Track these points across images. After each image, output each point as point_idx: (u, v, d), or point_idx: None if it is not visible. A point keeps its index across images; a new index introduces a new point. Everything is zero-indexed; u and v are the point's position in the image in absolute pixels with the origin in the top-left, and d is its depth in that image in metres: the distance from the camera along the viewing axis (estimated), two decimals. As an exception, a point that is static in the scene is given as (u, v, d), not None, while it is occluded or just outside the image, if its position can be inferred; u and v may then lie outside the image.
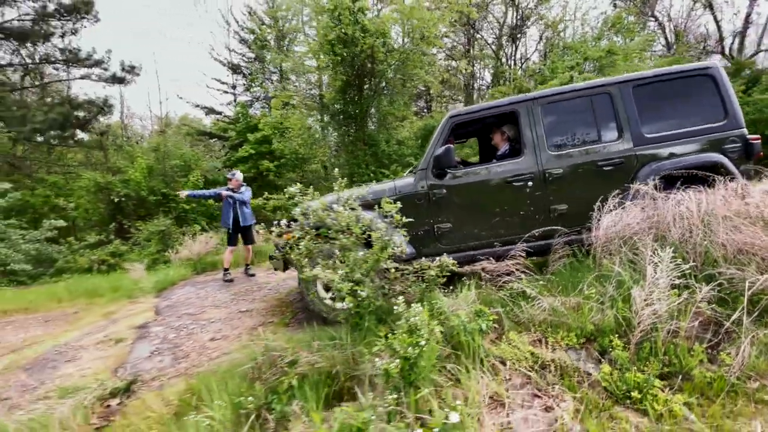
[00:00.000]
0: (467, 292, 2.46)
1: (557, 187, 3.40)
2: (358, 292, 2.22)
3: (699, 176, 3.08)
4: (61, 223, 8.92)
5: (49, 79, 17.66)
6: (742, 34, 16.54)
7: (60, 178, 14.04)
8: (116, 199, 12.23)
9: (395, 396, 1.50)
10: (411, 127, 10.13)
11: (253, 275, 6.04)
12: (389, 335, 1.97)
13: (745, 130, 3.40)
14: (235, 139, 16.65)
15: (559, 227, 3.31)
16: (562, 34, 11.61)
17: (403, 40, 7.72)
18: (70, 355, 3.50)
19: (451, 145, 3.51)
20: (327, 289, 3.44)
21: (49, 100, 16.59)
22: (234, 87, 19.37)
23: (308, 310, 3.54)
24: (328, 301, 3.41)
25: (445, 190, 3.47)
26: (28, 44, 15.49)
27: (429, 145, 3.62)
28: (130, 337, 3.69)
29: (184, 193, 6.00)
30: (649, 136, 3.41)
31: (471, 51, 17.92)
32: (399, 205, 2.52)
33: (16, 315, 5.53)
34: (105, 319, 4.70)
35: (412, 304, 2.08)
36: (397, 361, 1.58)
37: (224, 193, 5.86)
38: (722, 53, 17.48)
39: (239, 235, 6.08)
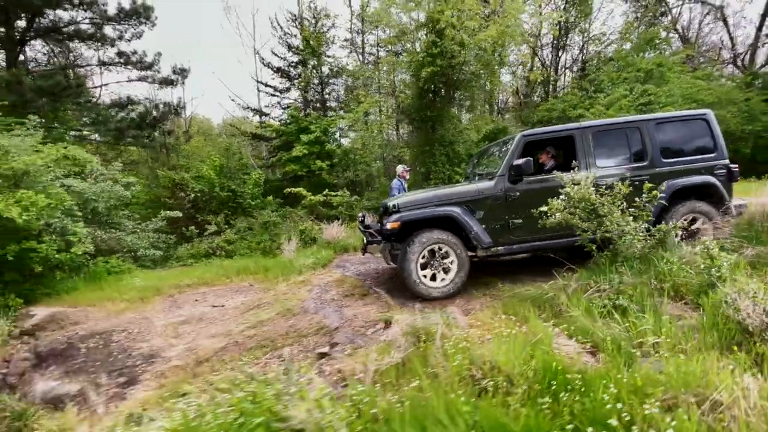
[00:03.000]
0: (686, 248, 3.53)
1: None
2: (629, 242, 3.28)
3: (696, 192, 4.40)
4: (177, 214, 9.78)
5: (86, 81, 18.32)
6: (754, 46, 18.04)
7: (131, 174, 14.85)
8: (192, 195, 13.07)
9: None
10: (479, 131, 11.23)
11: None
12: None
13: (728, 161, 4.75)
14: (286, 139, 17.54)
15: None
16: (607, 47, 12.86)
17: (492, 52, 8.82)
18: (334, 305, 4.49)
19: (531, 158, 4.39)
20: (423, 268, 4.27)
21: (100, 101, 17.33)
22: (279, 91, 20.26)
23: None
24: (426, 281, 4.28)
25: (518, 193, 4.43)
26: (92, 47, 16.26)
27: (505, 156, 4.55)
28: (370, 294, 4.69)
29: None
30: (664, 161, 4.64)
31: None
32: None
33: (200, 288, 6.45)
34: (302, 286, 5.67)
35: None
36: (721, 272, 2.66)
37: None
38: (735, 64, 18.98)
39: None
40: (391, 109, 17.07)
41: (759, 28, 17.78)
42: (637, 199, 3.53)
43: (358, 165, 16.31)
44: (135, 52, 17.55)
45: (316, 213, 14.28)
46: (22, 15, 13.56)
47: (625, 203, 3.56)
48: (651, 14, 18.38)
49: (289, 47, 19.67)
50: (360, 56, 19.70)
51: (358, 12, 19.04)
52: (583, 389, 1.79)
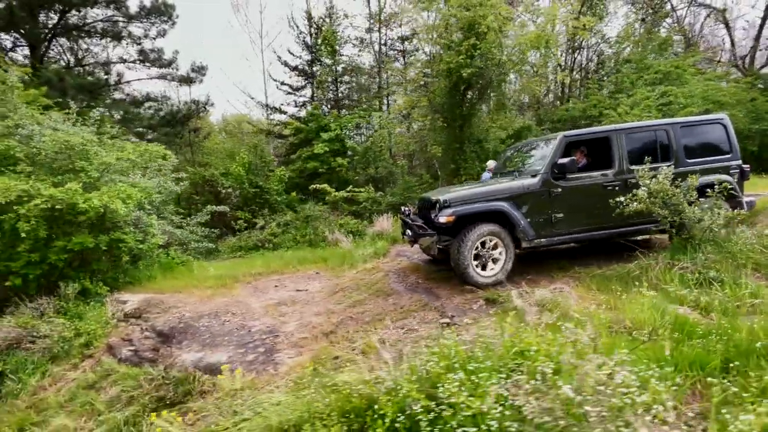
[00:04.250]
0: (748, 232, 4.09)
1: (632, 192, 4.58)
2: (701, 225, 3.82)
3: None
4: (224, 209, 10.17)
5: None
6: (754, 49, 18.84)
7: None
8: (223, 191, 13.43)
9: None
10: (505, 129, 11.76)
11: None
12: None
13: (740, 161, 5.21)
14: (305, 137, 17.91)
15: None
16: (624, 49, 13.48)
17: (527, 54, 9.36)
18: (423, 287, 4.97)
19: (575, 157, 4.86)
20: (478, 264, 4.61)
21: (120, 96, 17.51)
22: (295, 89, 20.61)
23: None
24: (479, 270, 4.62)
25: (560, 189, 4.76)
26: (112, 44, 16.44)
27: (547, 155, 4.87)
28: (454, 277, 5.18)
29: None
30: (687, 161, 5.00)
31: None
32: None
33: (271, 276, 6.88)
34: (373, 272, 6.12)
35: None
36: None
37: None
38: (736, 66, 19.76)
39: None
40: (401, 107, 17.80)
41: (759, 31, 18.58)
42: (708, 190, 4.07)
43: (379, 162, 16.78)
44: (153, 50, 17.78)
45: (339, 208, 14.66)
46: (49, 11, 13.71)
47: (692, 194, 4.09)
48: (656, 16, 19.04)
49: (307, 46, 20.03)
50: (377, 55, 20.11)
51: (375, 11, 19.48)
52: (729, 331, 2.30)
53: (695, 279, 3.39)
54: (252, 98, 24.92)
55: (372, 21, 20.02)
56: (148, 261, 6.96)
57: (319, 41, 19.08)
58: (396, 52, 21.98)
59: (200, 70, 19.08)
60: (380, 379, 2.03)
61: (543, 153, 5.08)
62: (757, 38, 18.67)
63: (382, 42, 21.01)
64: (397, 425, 1.79)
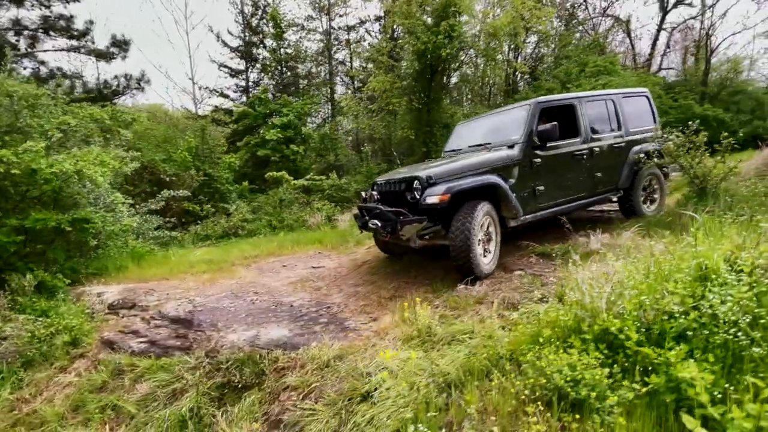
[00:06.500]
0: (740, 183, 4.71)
1: (596, 160, 4.81)
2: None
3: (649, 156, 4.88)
4: (185, 193, 8.90)
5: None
6: (651, 55, 22.18)
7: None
8: (167, 178, 11.88)
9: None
10: (468, 116, 12.18)
11: None
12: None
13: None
14: (250, 123, 16.64)
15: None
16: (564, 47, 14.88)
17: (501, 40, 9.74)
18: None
19: (556, 123, 4.54)
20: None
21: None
22: (237, 72, 19.02)
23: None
24: (482, 258, 3.78)
25: (539, 159, 4.34)
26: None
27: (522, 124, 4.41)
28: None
29: None
30: (631, 129, 5.13)
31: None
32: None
33: (269, 258, 6.21)
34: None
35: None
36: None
37: None
38: (635, 68, 23.02)
39: None
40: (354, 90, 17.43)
41: (654, 40, 21.92)
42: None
43: (338, 149, 16.23)
44: (61, 17, 15.05)
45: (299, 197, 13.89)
46: None
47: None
48: (575, 22, 21.33)
49: (249, 26, 18.57)
50: (327, 41, 19.40)
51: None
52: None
53: (731, 218, 3.81)
54: (196, 83, 22.39)
55: (318, 8, 19.30)
56: (119, 248, 5.81)
57: (267, 20, 17.81)
58: (340, 42, 21.49)
59: (122, 44, 16.67)
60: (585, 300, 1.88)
61: (513, 123, 4.64)
62: (653, 46, 22.05)
63: (328, 29, 20.41)
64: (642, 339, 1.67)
